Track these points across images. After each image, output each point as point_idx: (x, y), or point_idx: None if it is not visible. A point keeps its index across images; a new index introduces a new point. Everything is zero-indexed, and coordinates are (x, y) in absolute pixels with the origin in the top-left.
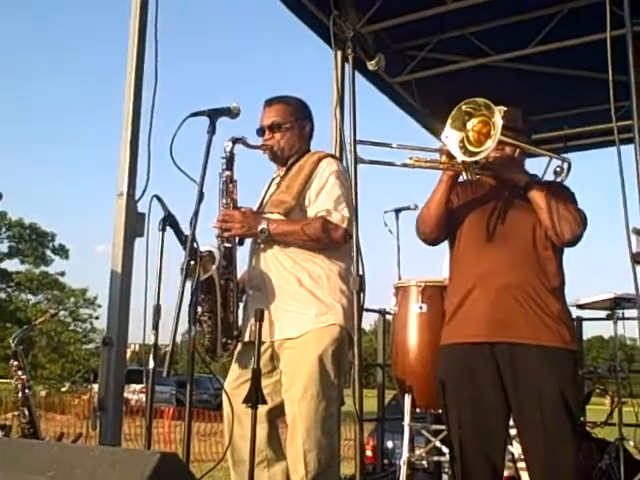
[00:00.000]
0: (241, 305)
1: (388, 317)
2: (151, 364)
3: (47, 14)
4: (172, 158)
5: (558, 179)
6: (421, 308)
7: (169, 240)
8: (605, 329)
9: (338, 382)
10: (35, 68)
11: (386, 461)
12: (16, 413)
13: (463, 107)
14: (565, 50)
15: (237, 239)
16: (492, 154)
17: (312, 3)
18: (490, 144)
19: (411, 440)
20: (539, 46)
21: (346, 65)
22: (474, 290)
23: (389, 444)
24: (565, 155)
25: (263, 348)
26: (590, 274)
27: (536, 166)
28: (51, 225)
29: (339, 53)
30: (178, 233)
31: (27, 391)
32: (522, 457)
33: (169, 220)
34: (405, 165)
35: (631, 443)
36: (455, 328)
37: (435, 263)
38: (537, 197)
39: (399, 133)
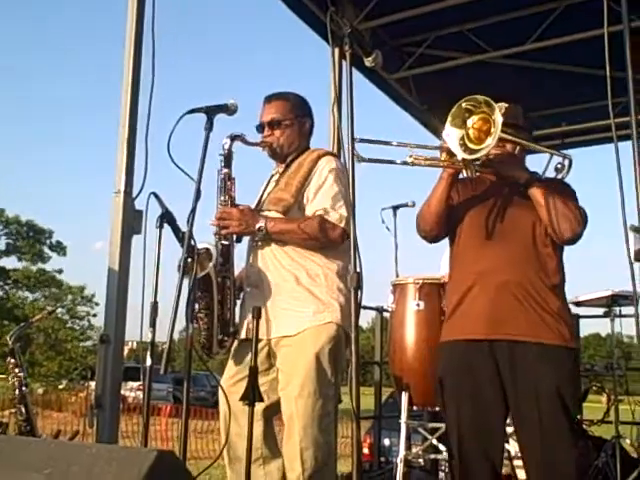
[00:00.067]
0: (238, 302)
1: (386, 315)
2: (148, 362)
3: (47, 14)
4: (170, 155)
5: (559, 176)
6: (418, 305)
7: (166, 237)
8: (602, 327)
9: (335, 380)
10: (35, 68)
11: (383, 459)
12: (13, 410)
13: (463, 104)
14: (563, 46)
15: (235, 237)
16: (492, 151)
17: (310, 0)
18: (490, 142)
19: (408, 438)
20: (537, 42)
21: (343, 62)
22: (474, 287)
23: (386, 442)
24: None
25: (260, 346)
26: (588, 272)
27: (537, 163)
28: (49, 223)
29: (336, 50)
30: (175, 230)
31: (24, 388)
32: (519, 455)
33: (166, 217)
34: (405, 163)
35: (627, 441)
36: (455, 325)
37: (433, 260)
38: (537, 195)
39: (396, 130)
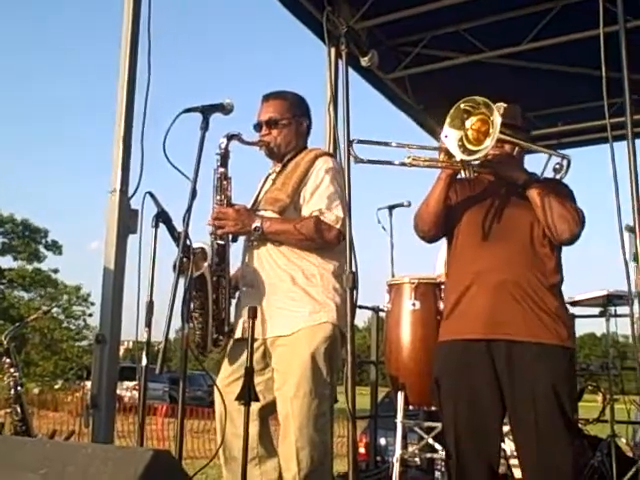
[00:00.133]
0: (233, 302)
1: (382, 314)
2: (144, 361)
3: (47, 14)
4: (165, 155)
5: (557, 176)
6: (414, 305)
7: (162, 237)
8: (598, 326)
9: (331, 380)
10: (35, 68)
11: (379, 458)
12: (8, 410)
13: (462, 105)
14: (559, 46)
15: (230, 236)
16: (491, 151)
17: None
18: (489, 143)
19: (404, 437)
20: (533, 42)
21: (340, 62)
22: (472, 287)
23: (382, 441)
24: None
25: (255, 345)
26: (584, 271)
27: (535, 163)
28: (46, 223)
29: (332, 49)
30: (171, 230)
31: (19, 388)
32: (515, 454)
33: (162, 217)
34: (403, 164)
35: (623, 440)
36: (453, 325)
37: (428, 260)
38: (535, 195)
39: (392, 130)
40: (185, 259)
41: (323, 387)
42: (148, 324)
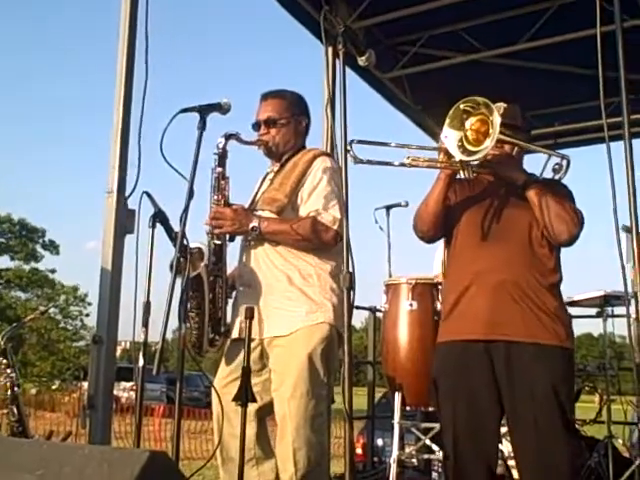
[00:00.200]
0: (230, 301)
1: (379, 315)
2: (141, 362)
3: (47, 14)
4: (162, 154)
5: (556, 177)
6: (411, 305)
7: (159, 237)
8: (595, 327)
9: (328, 380)
10: (35, 68)
11: (376, 459)
12: (5, 411)
13: (461, 106)
14: (556, 46)
15: (227, 236)
16: (490, 152)
17: None
18: (489, 143)
19: (401, 438)
20: (530, 42)
21: (337, 61)
22: (471, 287)
23: (379, 442)
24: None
25: (252, 346)
26: (582, 272)
27: (534, 162)
28: (45, 223)
29: (330, 49)
30: (168, 230)
31: (16, 389)
32: (512, 455)
33: (159, 217)
34: (402, 165)
35: (620, 441)
36: (452, 326)
37: (426, 260)
38: (534, 196)
39: (390, 129)
40: (182, 259)
41: (320, 388)
42: (145, 324)
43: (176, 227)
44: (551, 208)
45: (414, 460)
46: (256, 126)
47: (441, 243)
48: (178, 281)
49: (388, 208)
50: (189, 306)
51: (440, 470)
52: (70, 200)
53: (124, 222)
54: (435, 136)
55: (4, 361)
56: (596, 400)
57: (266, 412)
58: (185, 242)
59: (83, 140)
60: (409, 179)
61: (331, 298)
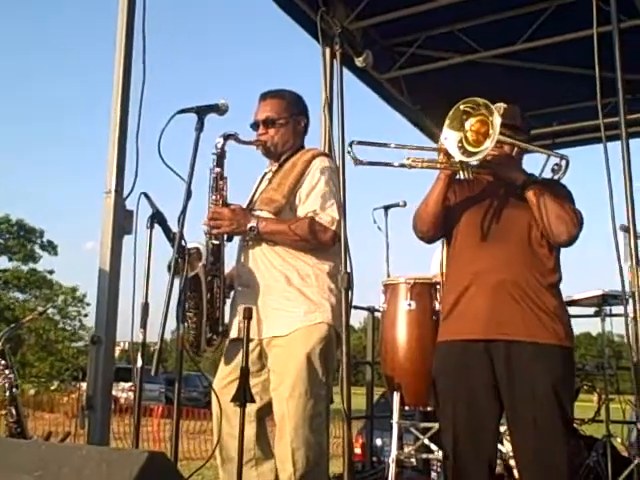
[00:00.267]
0: (228, 301)
1: (377, 314)
2: (139, 362)
3: (47, 14)
4: (160, 155)
5: (556, 177)
6: (410, 305)
7: (157, 238)
8: (593, 326)
9: (326, 380)
10: (35, 68)
11: (375, 459)
12: (3, 412)
13: (461, 107)
14: (553, 46)
15: (225, 236)
16: (490, 152)
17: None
18: (489, 144)
19: (400, 438)
20: (527, 42)
21: (334, 62)
22: (470, 287)
23: (378, 442)
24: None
25: (251, 346)
26: (581, 271)
27: (534, 162)
28: (44, 224)
29: (327, 50)
30: (166, 231)
31: (14, 390)
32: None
33: (157, 217)
34: (402, 166)
35: (618, 440)
36: (451, 325)
37: (424, 260)
38: (533, 197)
39: (388, 130)
40: (180, 260)
41: (319, 388)
42: (143, 325)
43: (174, 228)
44: (550, 209)
45: (413, 460)
46: (255, 126)
47: (439, 243)
48: (176, 282)
49: (386, 208)
50: (187, 306)
51: (439, 470)
52: (70, 200)
53: (122, 223)
54: (433, 136)
55: (2, 362)
56: (594, 399)
57: (266, 412)
58: (183, 243)
59: (83, 140)
60: (407, 179)
61: (329, 298)
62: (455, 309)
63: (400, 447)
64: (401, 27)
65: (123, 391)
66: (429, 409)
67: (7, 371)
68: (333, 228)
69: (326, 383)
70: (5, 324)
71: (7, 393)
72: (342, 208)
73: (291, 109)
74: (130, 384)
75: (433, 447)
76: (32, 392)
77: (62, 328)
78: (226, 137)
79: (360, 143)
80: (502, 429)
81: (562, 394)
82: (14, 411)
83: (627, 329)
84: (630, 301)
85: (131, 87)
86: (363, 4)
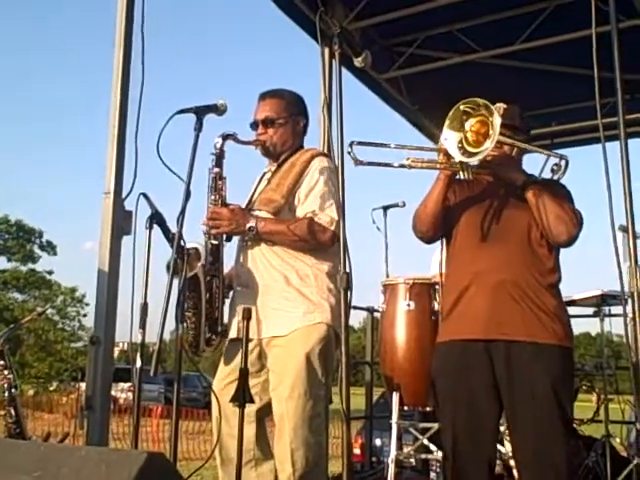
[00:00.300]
0: (227, 301)
1: (376, 315)
2: (138, 363)
3: (47, 14)
4: (159, 156)
5: (555, 177)
6: (409, 305)
7: (156, 238)
8: (592, 326)
9: (326, 380)
10: (35, 68)
11: (374, 459)
12: (2, 413)
13: (461, 107)
14: (552, 47)
15: (224, 236)
16: (490, 152)
17: (300, 0)
18: (489, 145)
19: (399, 438)
20: (526, 43)
21: (333, 62)
22: (470, 287)
23: (377, 442)
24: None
25: (251, 346)
26: (581, 272)
27: (533, 162)
28: (44, 223)
29: (326, 50)
30: (165, 231)
31: (13, 390)
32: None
33: (156, 218)
34: (402, 166)
35: (617, 440)
36: (451, 326)
37: (423, 260)
38: (533, 197)
39: (387, 130)
40: (179, 260)
41: (318, 388)
42: (142, 325)
43: (173, 228)
44: (550, 209)
45: (412, 460)
46: (254, 126)
47: (439, 243)
48: (175, 282)
49: (385, 208)
50: (186, 306)
51: (438, 470)
52: (69, 200)
53: (121, 223)
54: (432, 136)
55: (1, 362)
56: (594, 399)
57: (265, 413)
58: (182, 243)
59: (83, 140)
60: (406, 179)
61: (328, 298)
62: (455, 309)
63: (399, 447)
64: (400, 27)
65: (122, 391)
66: (428, 409)
67: (6, 371)
68: (332, 228)
69: (325, 383)
70: (4, 325)
71: (6, 393)
72: (341, 208)
73: (290, 109)
74: (129, 384)
75: (432, 447)
76: (31, 392)
77: (61, 328)
78: (225, 137)
79: (360, 143)
80: (502, 429)
81: (562, 394)
82: (13, 412)
83: (626, 329)
84: (629, 301)
85: (130, 87)
86: (362, 4)
